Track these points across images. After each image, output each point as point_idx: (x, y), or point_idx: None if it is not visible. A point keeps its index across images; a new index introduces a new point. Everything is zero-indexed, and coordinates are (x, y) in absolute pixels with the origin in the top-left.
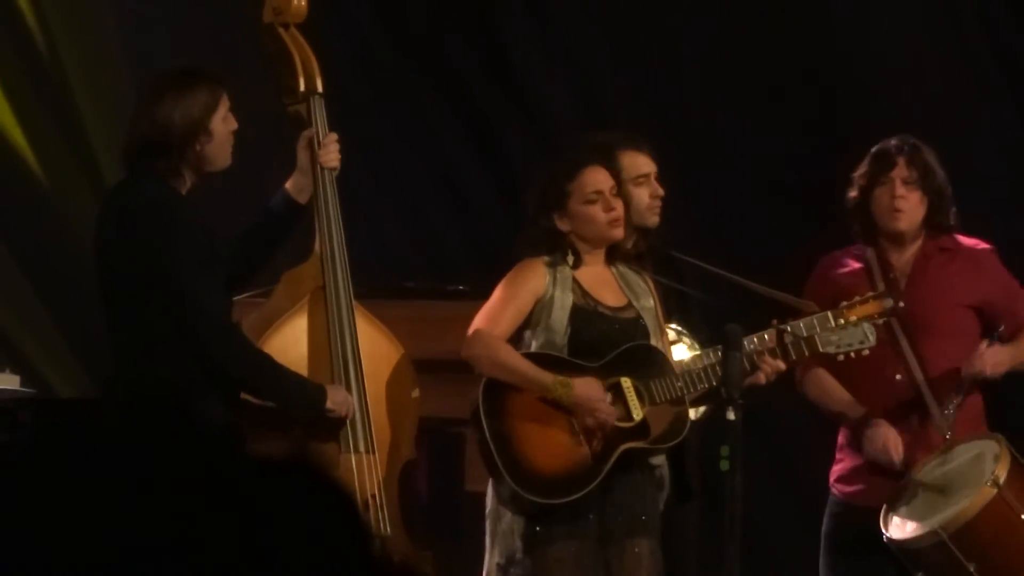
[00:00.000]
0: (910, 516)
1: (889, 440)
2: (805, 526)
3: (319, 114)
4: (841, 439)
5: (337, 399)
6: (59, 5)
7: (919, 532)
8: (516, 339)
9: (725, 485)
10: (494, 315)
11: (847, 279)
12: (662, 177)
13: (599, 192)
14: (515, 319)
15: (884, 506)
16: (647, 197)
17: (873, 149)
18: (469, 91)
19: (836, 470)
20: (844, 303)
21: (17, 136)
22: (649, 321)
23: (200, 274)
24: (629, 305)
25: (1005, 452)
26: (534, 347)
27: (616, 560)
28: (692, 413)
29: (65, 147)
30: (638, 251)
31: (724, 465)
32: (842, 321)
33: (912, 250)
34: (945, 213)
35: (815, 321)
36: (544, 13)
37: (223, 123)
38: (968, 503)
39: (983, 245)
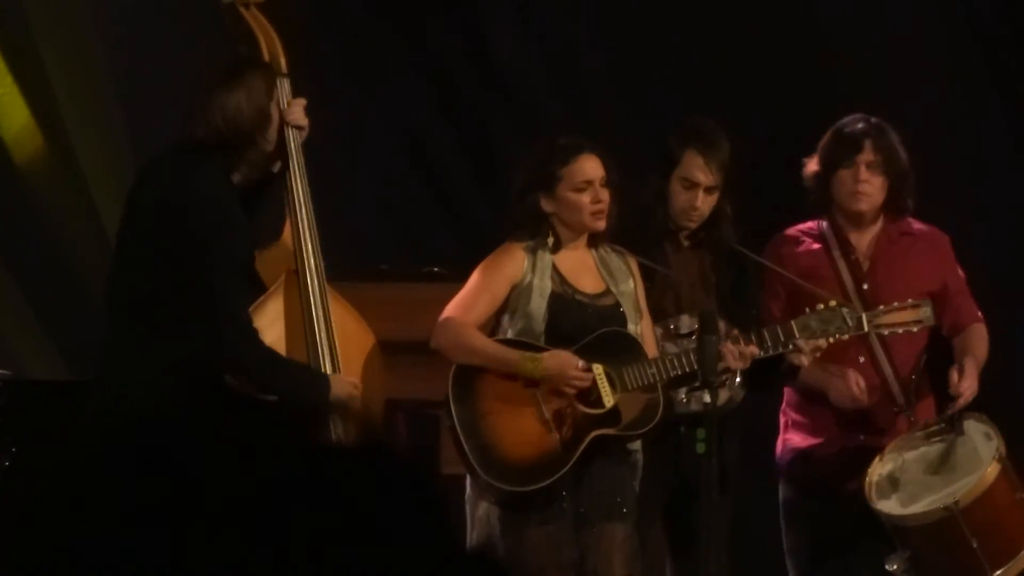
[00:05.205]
0: (908, 492)
1: (850, 379)
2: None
3: (284, 96)
4: (784, 418)
5: (340, 392)
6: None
7: (927, 508)
8: (494, 324)
9: (701, 468)
10: (467, 303)
11: (806, 258)
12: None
13: (589, 181)
14: (489, 306)
15: (867, 482)
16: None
17: (838, 126)
18: (447, 70)
19: (785, 451)
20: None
21: None
22: (627, 306)
23: (234, 276)
24: (607, 291)
25: (996, 428)
26: (511, 334)
27: (592, 544)
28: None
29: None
30: (696, 241)
31: (700, 448)
32: (822, 307)
33: (873, 231)
34: (905, 196)
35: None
36: None
37: (277, 108)
38: (979, 477)
39: (940, 233)
